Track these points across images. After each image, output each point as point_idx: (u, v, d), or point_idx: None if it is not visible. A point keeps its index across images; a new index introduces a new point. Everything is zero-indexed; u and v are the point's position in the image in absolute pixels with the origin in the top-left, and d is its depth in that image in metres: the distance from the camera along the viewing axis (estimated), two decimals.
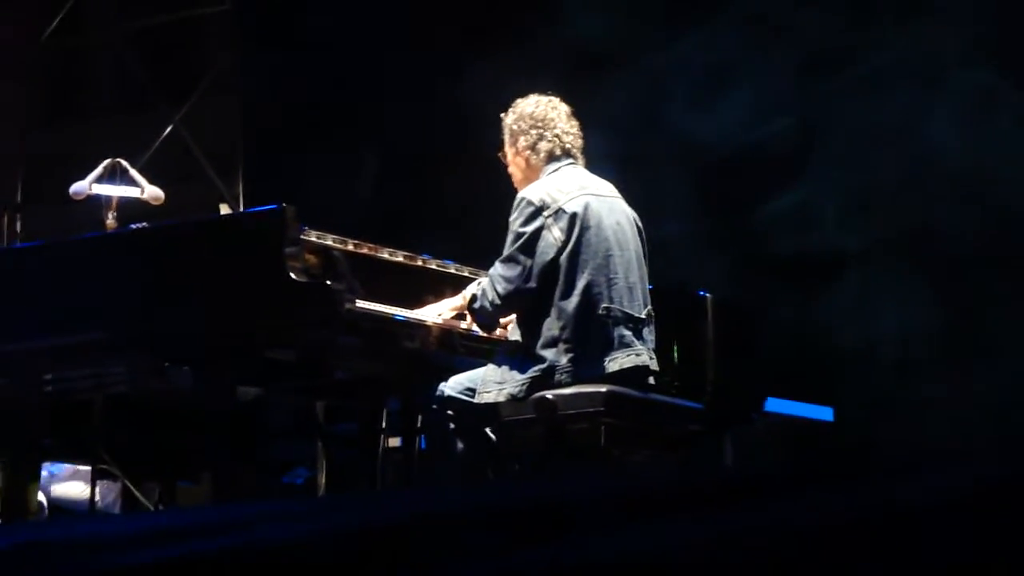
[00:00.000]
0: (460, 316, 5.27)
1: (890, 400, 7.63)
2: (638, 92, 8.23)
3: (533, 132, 5.24)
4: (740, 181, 8.14)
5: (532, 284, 5.03)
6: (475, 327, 5.23)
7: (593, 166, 5.33)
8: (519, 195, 5.15)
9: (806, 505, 2.70)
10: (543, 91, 5.35)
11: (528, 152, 5.25)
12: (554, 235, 5.04)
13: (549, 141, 5.23)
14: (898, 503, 2.59)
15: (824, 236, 7.98)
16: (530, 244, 5.04)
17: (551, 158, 5.23)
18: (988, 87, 7.69)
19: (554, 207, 5.07)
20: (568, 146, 5.25)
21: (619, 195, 5.30)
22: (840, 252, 7.93)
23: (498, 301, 5.06)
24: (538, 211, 5.06)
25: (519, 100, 5.33)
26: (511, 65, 7.79)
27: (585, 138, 5.31)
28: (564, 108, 5.30)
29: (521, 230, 5.06)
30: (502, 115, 5.33)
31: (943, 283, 7.67)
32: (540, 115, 5.25)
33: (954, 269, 7.64)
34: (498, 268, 5.09)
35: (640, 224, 5.29)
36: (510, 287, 5.05)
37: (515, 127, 5.28)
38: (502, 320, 5.18)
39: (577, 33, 8.30)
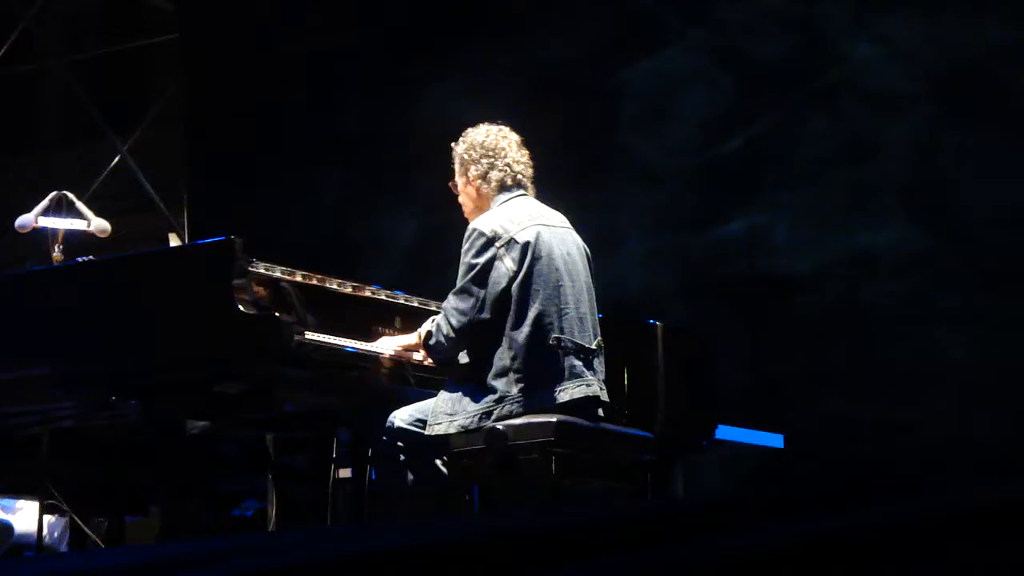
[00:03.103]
0: (411, 350, 5.24)
1: (840, 426, 7.64)
2: (590, 113, 8.25)
3: (484, 161, 5.21)
4: (690, 203, 8.16)
5: (486, 315, 5.02)
6: (427, 361, 5.21)
7: (544, 189, 5.33)
8: (470, 226, 5.12)
9: (757, 535, 2.70)
10: (493, 119, 5.34)
11: (479, 181, 5.23)
12: (506, 265, 5.02)
13: (500, 170, 5.21)
14: (849, 531, 2.59)
15: (775, 259, 8.00)
16: (483, 275, 5.03)
17: (502, 188, 5.21)
18: (939, 108, 7.74)
19: (506, 237, 5.05)
20: (519, 176, 5.23)
21: (570, 226, 5.29)
22: (791, 275, 7.95)
23: (453, 334, 5.04)
24: (490, 242, 5.05)
25: (469, 129, 5.30)
26: (462, 92, 7.80)
27: (537, 162, 5.30)
28: (514, 137, 5.29)
29: (473, 261, 5.04)
30: (452, 144, 5.31)
31: (896, 306, 7.70)
32: (491, 144, 5.23)
33: (908, 291, 7.68)
34: (451, 301, 5.07)
35: (590, 255, 5.29)
36: (464, 319, 5.03)
37: (465, 156, 5.25)
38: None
39: (529, 57, 8.31)
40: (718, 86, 8.13)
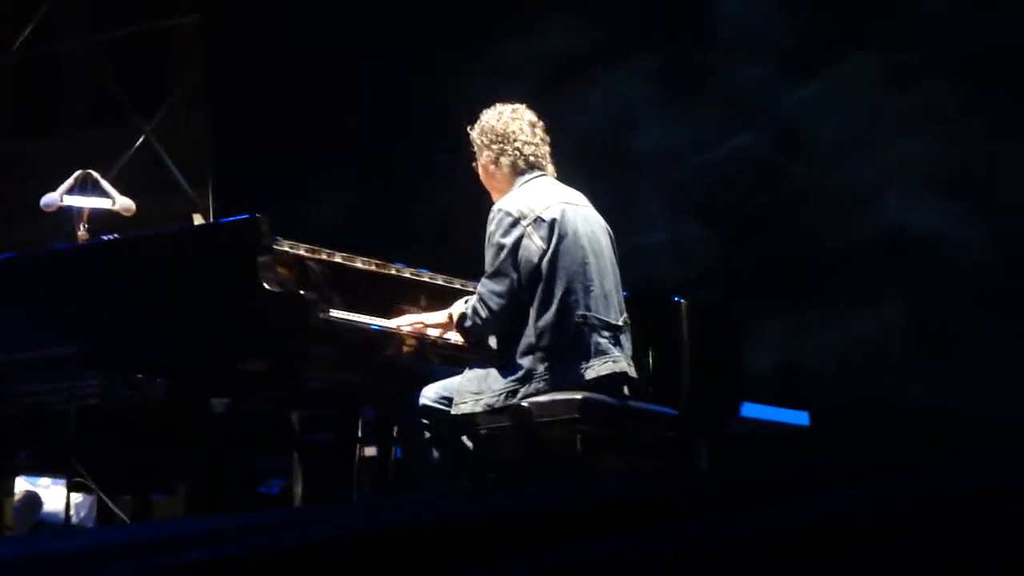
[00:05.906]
0: (433, 328, 5.24)
1: (865, 405, 7.63)
2: (615, 99, 8.24)
3: (494, 147, 5.23)
4: (716, 188, 8.15)
5: (522, 295, 5.02)
6: (448, 336, 5.21)
7: (567, 172, 5.32)
8: (495, 207, 5.13)
9: (781, 511, 2.70)
10: (516, 99, 5.33)
11: (492, 167, 5.25)
12: (536, 243, 5.03)
13: (509, 156, 5.21)
14: (875, 508, 2.59)
15: (800, 241, 7.99)
16: (514, 255, 5.03)
17: (516, 172, 5.22)
18: (961, 94, 7.71)
19: (532, 216, 5.06)
20: (531, 158, 5.22)
21: (590, 204, 5.30)
22: (816, 257, 7.93)
23: (491, 318, 5.04)
24: (516, 221, 5.05)
25: (484, 111, 5.31)
26: (488, 72, 7.79)
27: (556, 145, 5.29)
28: (528, 117, 5.28)
29: (502, 241, 5.04)
30: (468, 128, 5.32)
31: (919, 288, 7.68)
32: (500, 129, 5.23)
33: (929, 273, 7.65)
34: (488, 284, 5.06)
35: (612, 232, 5.29)
36: (503, 302, 5.03)
37: (479, 141, 5.28)
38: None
39: (553, 40, 8.30)
40: (743, 68, 8.11)
